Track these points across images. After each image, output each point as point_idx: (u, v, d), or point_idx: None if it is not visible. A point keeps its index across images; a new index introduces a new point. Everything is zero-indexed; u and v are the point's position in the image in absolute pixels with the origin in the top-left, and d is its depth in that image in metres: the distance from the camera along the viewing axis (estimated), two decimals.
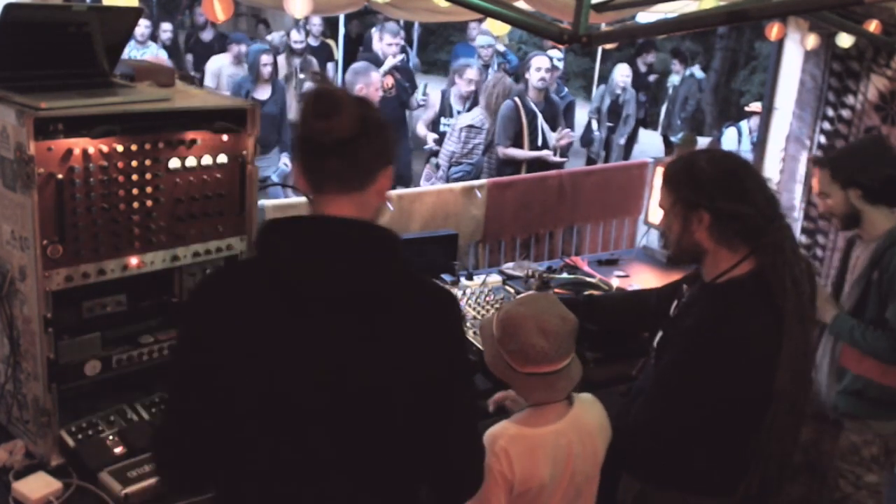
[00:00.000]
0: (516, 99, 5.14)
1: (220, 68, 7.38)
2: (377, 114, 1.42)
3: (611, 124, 8.72)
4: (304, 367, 1.35)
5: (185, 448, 1.43)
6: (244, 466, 1.42)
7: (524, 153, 5.20)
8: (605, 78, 11.36)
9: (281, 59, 7.33)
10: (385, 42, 6.45)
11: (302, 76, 7.97)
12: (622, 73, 8.60)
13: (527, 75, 5.25)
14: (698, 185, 1.87)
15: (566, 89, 7.37)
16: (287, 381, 1.36)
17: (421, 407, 1.43)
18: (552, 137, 5.27)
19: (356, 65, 5.40)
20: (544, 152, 5.22)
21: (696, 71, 10.67)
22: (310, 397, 1.36)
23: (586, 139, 8.84)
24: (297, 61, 7.99)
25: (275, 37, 8.79)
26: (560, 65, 6.83)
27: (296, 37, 8.16)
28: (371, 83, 4.96)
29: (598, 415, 1.98)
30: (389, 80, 6.38)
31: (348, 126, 1.33)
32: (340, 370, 1.36)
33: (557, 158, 5.26)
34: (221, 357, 1.36)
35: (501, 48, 8.16)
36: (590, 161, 8.78)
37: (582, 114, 9.62)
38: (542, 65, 5.19)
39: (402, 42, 7.40)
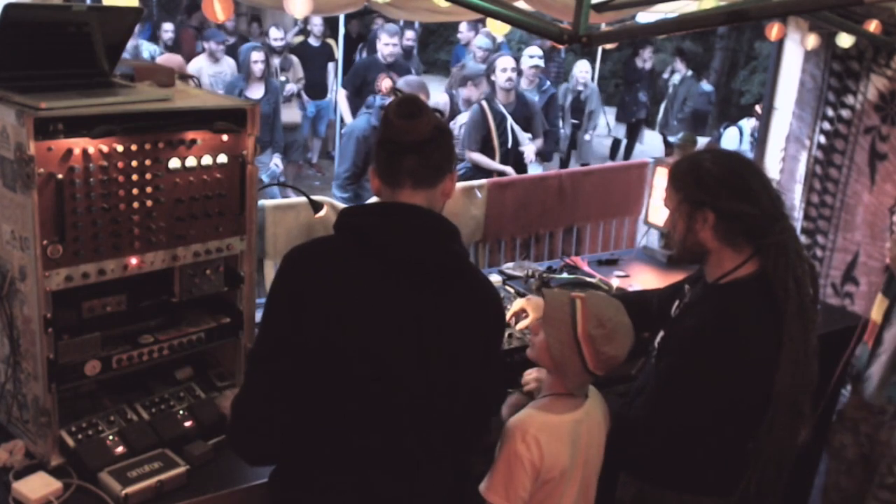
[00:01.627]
0: (483, 103, 5.14)
1: (201, 68, 7.36)
2: (445, 124, 1.65)
3: (575, 121, 8.73)
4: (393, 326, 1.55)
5: (272, 412, 1.56)
6: (325, 425, 1.58)
7: (488, 162, 5.16)
8: (604, 78, 11.36)
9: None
10: (382, 42, 6.44)
11: (283, 78, 7.94)
12: (582, 70, 8.63)
13: (493, 77, 5.24)
14: (703, 184, 1.88)
15: (548, 82, 7.37)
16: (377, 337, 1.54)
17: (476, 368, 1.67)
18: (524, 138, 5.25)
19: (410, 78, 5.34)
20: (507, 168, 5.17)
21: (706, 85, 10.74)
22: (396, 353, 1.55)
23: (553, 139, 8.87)
24: (276, 60, 7.97)
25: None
26: (541, 62, 6.79)
27: (275, 34, 8.10)
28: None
29: (603, 406, 2.01)
30: (388, 83, 6.36)
31: (426, 128, 1.55)
32: (423, 328, 1.56)
33: (513, 174, 5.15)
34: (315, 317, 1.52)
35: (500, 39, 8.15)
36: (561, 162, 8.79)
37: None
38: (508, 65, 5.20)
39: (411, 43, 7.37)
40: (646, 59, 9.84)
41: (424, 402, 1.61)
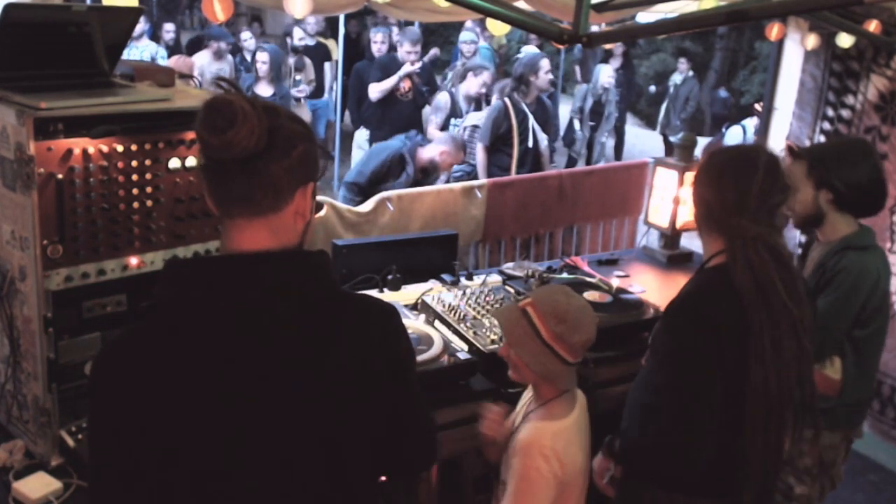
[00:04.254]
0: (506, 100, 5.14)
1: (203, 66, 7.43)
2: (294, 124, 1.26)
3: (592, 123, 8.79)
4: (238, 432, 1.21)
5: None
6: None
7: (482, 164, 5.14)
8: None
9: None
10: (405, 49, 6.46)
11: (299, 77, 8.04)
12: (607, 75, 8.69)
13: (532, 77, 5.25)
14: (698, 167, 2.03)
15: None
16: (222, 449, 1.21)
17: (371, 434, 1.34)
18: (543, 139, 5.28)
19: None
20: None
21: (723, 91, 10.86)
22: (248, 463, 1.22)
23: (569, 139, 8.88)
24: (292, 60, 8.05)
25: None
26: None
27: (298, 34, 8.25)
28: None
29: (583, 394, 2.06)
30: (407, 84, 6.36)
31: (248, 139, 1.18)
32: (278, 427, 1.23)
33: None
34: (146, 439, 1.18)
35: (482, 42, 8.19)
36: (571, 161, 8.81)
37: (563, 111, 9.67)
38: (549, 67, 5.25)
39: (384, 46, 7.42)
40: (621, 57, 9.87)
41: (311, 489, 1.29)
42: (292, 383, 1.24)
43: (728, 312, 1.83)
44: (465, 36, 7.56)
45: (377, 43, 7.31)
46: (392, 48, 7.27)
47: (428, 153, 4.56)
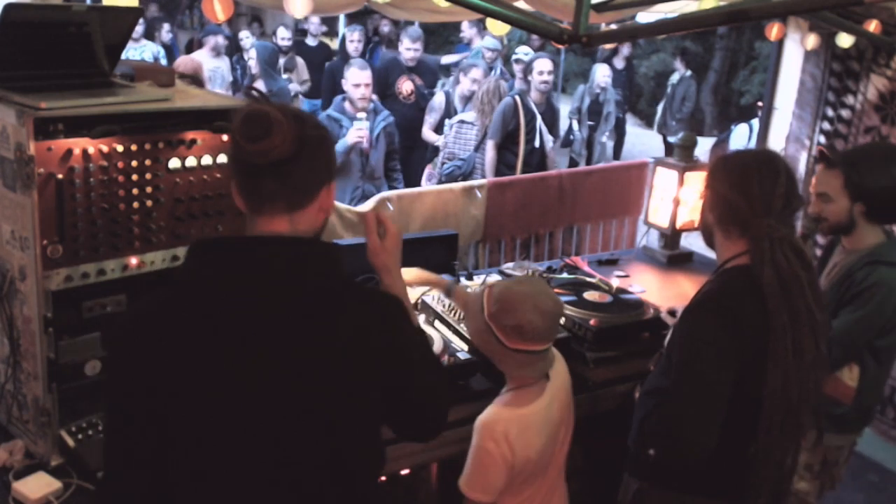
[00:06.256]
0: (516, 97, 5.12)
1: (200, 63, 7.45)
2: (317, 131, 1.40)
3: (591, 123, 8.79)
4: (247, 391, 1.32)
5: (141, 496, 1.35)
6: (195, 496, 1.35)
7: (491, 162, 5.15)
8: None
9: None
10: (405, 46, 6.43)
11: (285, 77, 8.06)
12: (603, 74, 8.69)
13: (529, 77, 5.24)
14: (713, 168, 2.03)
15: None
16: (232, 406, 1.31)
17: (373, 403, 1.44)
18: (549, 140, 5.28)
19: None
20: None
21: (758, 101, 10.83)
22: (255, 421, 1.32)
23: (566, 140, 8.88)
24: (281, 60, 8.06)
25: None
26: (526, 59, 6.82)
27: (283, 34, 8.24)
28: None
29: (563, 368, 2.11)
30: (409, 87, 6.34)
31: (281, 147, 1.32)
32: (282, 389, 1.33)
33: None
34: (163, 393, 1.29)
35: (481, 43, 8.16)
36: (572, 162, 8.80)
37: (562, 112, 9.67)
38: (545, 68, 5.18)
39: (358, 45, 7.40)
40: (625, 57, 9.85)
41: (299, 476, 1.37)
42: (291, 358, 1.33)
43: (751, 312, 1.84)
44: (489, 42, 7.11)
45: (353, 42, 7.28)
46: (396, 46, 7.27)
47: (345, 102, 4.69)
